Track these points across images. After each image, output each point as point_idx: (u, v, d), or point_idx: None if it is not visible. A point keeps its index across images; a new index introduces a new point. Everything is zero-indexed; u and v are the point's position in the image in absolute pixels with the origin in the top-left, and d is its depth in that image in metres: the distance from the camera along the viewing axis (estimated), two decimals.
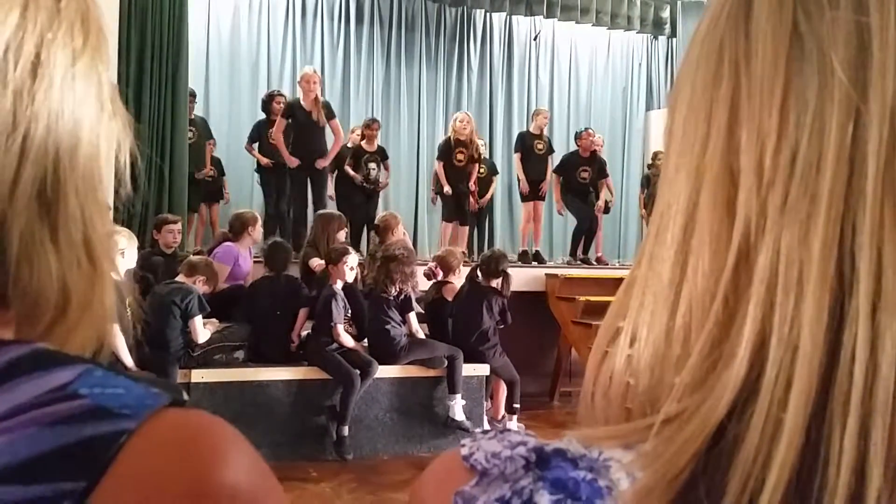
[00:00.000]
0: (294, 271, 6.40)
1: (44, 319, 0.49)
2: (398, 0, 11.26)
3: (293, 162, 7.74)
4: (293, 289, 6.00)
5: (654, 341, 0.44)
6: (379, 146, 8.97)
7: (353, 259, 5.90)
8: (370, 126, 8.92)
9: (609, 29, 12.30)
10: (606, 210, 9.71)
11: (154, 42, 7.69)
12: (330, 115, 7.77)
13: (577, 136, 9.54)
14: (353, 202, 8.60)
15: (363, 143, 8.84)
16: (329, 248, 6.20)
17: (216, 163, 9.10)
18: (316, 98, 7.67)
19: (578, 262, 9.22)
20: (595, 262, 9.43)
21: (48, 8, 0.48)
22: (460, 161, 8.60)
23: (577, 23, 12.02)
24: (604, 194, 9.50)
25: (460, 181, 8.68)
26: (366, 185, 8.68)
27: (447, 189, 8.66)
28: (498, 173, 9.94)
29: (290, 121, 7.75)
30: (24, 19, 0.46)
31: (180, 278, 5.57)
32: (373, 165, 8.73)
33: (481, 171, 9.21)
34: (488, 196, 9.56)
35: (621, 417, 0.46)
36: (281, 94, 8.76)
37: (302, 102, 7.71)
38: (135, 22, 7.50)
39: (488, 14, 11.77)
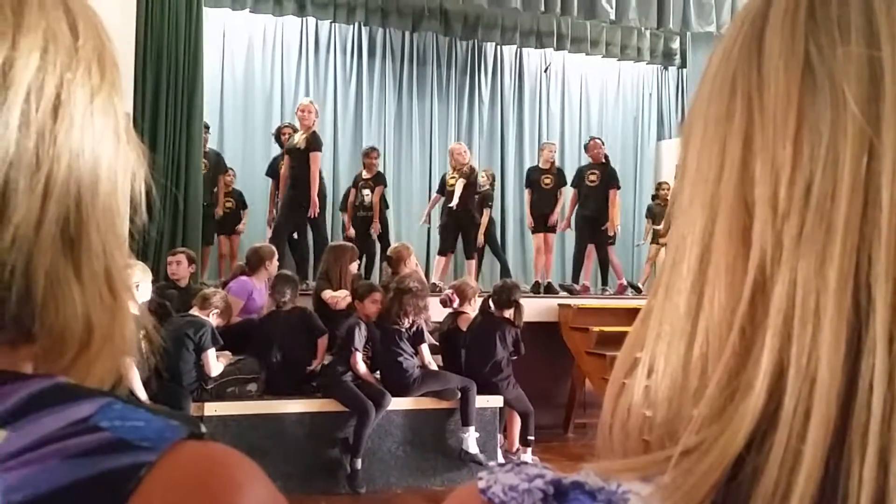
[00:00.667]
0: (304, 303, 6.41)
1: (69, 353, 0.50)
2: (410, 34, 11.38)
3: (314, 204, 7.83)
4: (305, 320, 6.00)
5: (671, 373, 0.44)
6: (377, 172, 9.06)
7: (380, 296, 6.02)
8: (369, 154, 9.03)
9: (619, 60, 12.37)
10: (612, 240, 9.59)
11: (170, 77, 7.79)
12: (311, 147, 7.70)
13: (586, 147, 9.56)
14: (358, 234, 8.68)
15: (363, 171, 8.95)
16: (357, 284, 6.35)
17: (237, 195, 9.20)
18: (309, 128, 7.75)
19: (572, 291, 9.16)
20: (620, 291, 9.37)
21: (67, 48, 0.49)
22: (451, 186, 8.61)
23: (587, 54, 12.10)
24: (614, 207, 9.31)
25: (455, 211, 8.58)
26: (361, 211, 8.79)
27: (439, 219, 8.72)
28: (490, 206, 9.67)
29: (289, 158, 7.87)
30: (45, 61, 0.47)
31: (194, 311, 5.58)
32: (366, 192, 8.84)
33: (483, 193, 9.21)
34: (482, 229, 9.30)
35: (639, 450, 0.46)
36: (288, 126, 8.85)
37: (296, 136, 7.83)
38: (151, 57, 7.61)
39: (499, 47, 11.87)
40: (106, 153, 0.51)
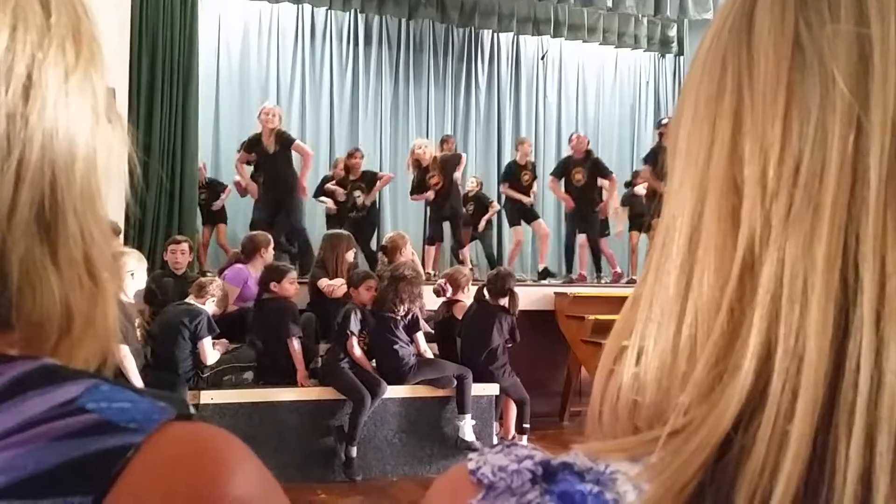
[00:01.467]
0: (302, 291, 6.41)
1: (49, 341, 0.49)
2: (406, 21, 11.35)
3: (251, 192, 7.78)
4: (283, 315, 5.87)
5: (660, 354, 0.44)
6: (364, 171, 8.93)
7: (374, 283, 6.01)
8: (353, 155, 8.97)
9: (616, 48, 12.36)
10: (605, 231, 9.55)
11: (165, 63, 7.77)
12: (287, 142, 7.59)
13: (569, 141, 9.55)
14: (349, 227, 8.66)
15: (349, 174, 8.85)
16: (351, 273, 6.32)
17: (211, 185, 9.08)
18: (273, 130, 7.55)
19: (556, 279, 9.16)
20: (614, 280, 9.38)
21: (38, 27, 0.47)
22: (436, 185, 8.60)
23: (584, 42, 12.08)
24: (612, 197, 9.33)
25: (440, 203, 8.59)
26: (354, 213, 8.71)
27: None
28: (491, 202, 9.79)
29: (253, 154, 7.72)
30: (13, 41, 0.46)
31: (190, 299, 5.58)
32: (357, 193, 8.76)
33: (469, 207, 9.31)
34: (484, 221, 9.50)
35: (629, 434, 0.46)
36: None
37: (262, 139, 7.63)
38: (146, 43, 7.59)
39: (496, 34, 11.85)
40: (82, 133, 0.50)
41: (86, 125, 0.50)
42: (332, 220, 8.88)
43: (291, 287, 5.89)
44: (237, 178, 8.37)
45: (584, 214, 9.14)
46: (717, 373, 0.40)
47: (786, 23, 0.40)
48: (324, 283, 6.45)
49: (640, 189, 9.67)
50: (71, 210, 0.49)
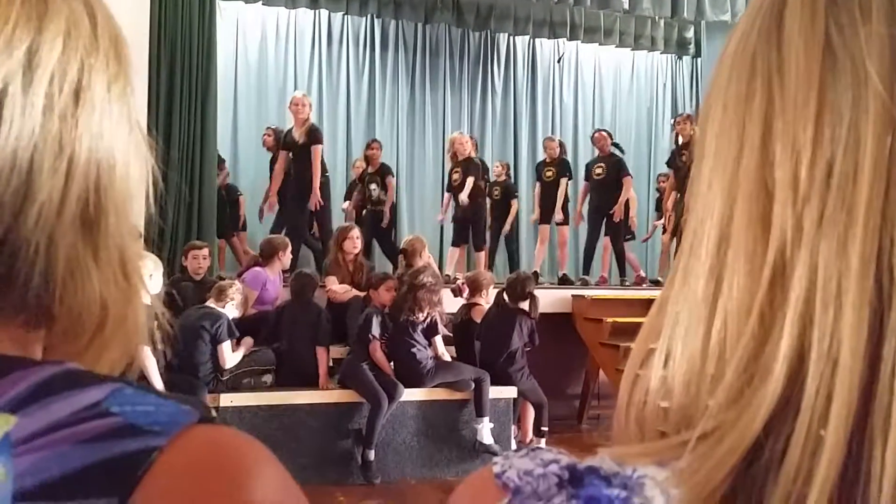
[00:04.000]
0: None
1: (85, 335, 0.51)
2: (422, 25, 11.37)
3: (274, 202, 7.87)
4: (318, 317, 5.98)
5: (688, 358, 0.44)
6: (381, 164, 8.88)
7: (393, 283, 6.04)
8: (370, 146, 8.93)
9: (633, 50, 12.32)
10: (630, 235, 9.55)
11: (183, 70, 7.82)
12: (312, 141, 7.48)
13: (592, 139, 9.55)
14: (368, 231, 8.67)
15: (367, 166, 8.85)
16: (370, 275, 6.36)
17: (231, 190, 9.16)
18: (305, 121, 7.54)
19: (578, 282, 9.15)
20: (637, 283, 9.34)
21: (87, 35, 0.50)
22: (455, 181, 8.58)
23: (600, 44, 12.05)
24: (625, 195, 9.24)
25: (465, 205, 8.54)
26: (369, 206, 8.65)
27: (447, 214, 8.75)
28: (516, 196, 9.83)
29: (290, 154, 7.72)
30: (68, 46, 0.48)
31: (210, 303, 5.61)
32: (373, 186, 8.66)
33: (496, 193, 9.30)
34: (510, 220, 9.50)
35: (655, 438, 0.45)
36: (270, 128, 8.94)
37: (293, 130, 7.63)
38: (164, 51, 7.64)
39: (512, 37, 11.84)
40: (122, 139, 0.52)
41: (124, 132, 0.53)
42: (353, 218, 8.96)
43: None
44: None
45: (605, 213, 9.13)
46: (746, 377, 0.40)
47: (816, 25, 0.40)
48: (330, 284, 6.47)
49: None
50: (112, 210, 0.51)
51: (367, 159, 8.92)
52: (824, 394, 0.37)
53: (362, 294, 6.38)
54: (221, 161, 8.92)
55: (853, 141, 0.38)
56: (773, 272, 0.40)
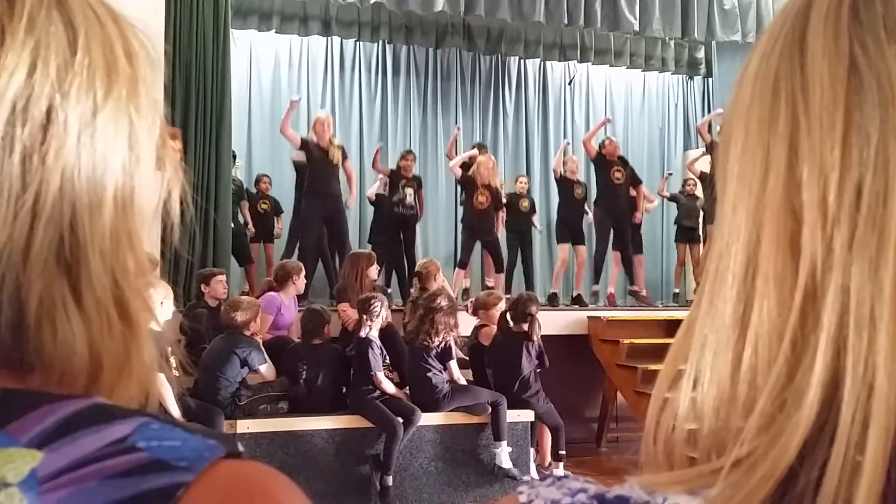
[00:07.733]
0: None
1: (77, 383, 0.48)
2: (434, 50, 11.44)
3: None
4: (336, 355, 5.99)
5: (718, 383, 0.43)
6: (414, 175, 9.07)
7: (378, 303, 5.83)
8: (405, 157, 9.06)
9: (644, 71, 12.33)
10: (638, 247, 9.54)
11: (198, 98, 7.90)
12: (344, 157, 7.98)
13: (602, 146, 9.50)
14: (387, 237, 8.71)
15: (400, 171, 8.95)
16: (358, 299, 6.11)
17: (273, 201, 9.32)
18: (331, 139, 7.84)
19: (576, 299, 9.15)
20: (638, 301, 9.30)
21: (60, 65, 0.47)
22: (482, 203, 8.60)
23: (611, 66, 12.07)
24: (642, 204, 9.40)
25: (483, 226, 8.58)
26: (400, 208, 8.72)
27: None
28: (535, 213, 9.87)
29: (305, 153, 7.90)
30: (31, 79, 0.46)
31: (234, 314, 5.60)
32: (409, 191, 8.80)
33: (524, 205, 9.40)
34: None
35: (684, 464, 0.45)
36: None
37: (322, 147, 7.85)
38: (179, 78, 7.72)
39: (522, 60, 11.89)
40: (113, 172, 0.49)
41: (118, 163, 0.49)
42: (377, 221, 9.12)
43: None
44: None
45: (618, 223, 9.12)
46: (779, 402, 0.39)
47: (840, 45, 0.40)
48: (342, 311, 6.43)
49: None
50: (95, 251, 0.48)
51: (401, 169, 9.00)
52: (860, 419, 0.36)
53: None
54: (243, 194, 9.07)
55: (882, 162, 0.38)
56: (805, 296, 0.39)
